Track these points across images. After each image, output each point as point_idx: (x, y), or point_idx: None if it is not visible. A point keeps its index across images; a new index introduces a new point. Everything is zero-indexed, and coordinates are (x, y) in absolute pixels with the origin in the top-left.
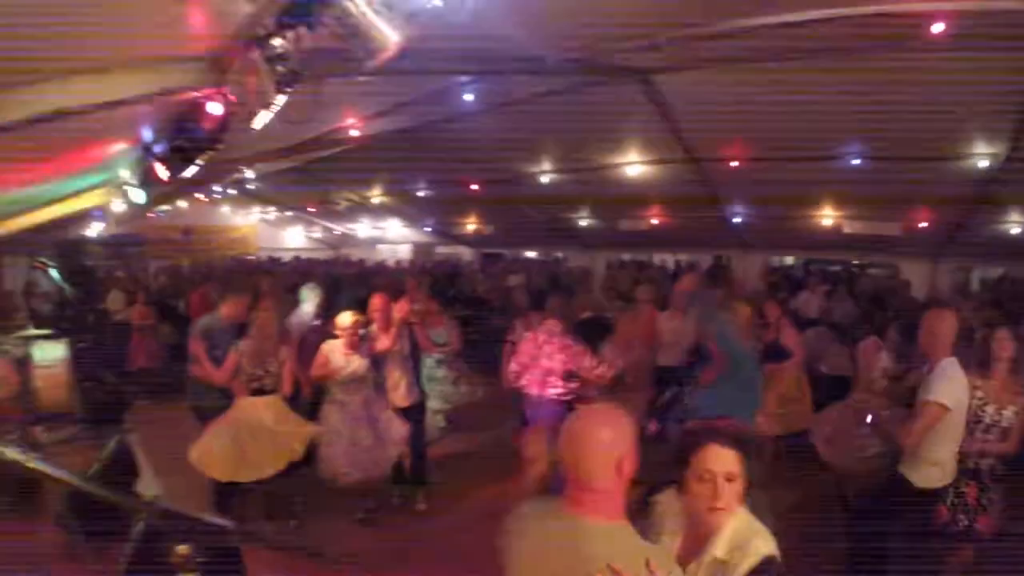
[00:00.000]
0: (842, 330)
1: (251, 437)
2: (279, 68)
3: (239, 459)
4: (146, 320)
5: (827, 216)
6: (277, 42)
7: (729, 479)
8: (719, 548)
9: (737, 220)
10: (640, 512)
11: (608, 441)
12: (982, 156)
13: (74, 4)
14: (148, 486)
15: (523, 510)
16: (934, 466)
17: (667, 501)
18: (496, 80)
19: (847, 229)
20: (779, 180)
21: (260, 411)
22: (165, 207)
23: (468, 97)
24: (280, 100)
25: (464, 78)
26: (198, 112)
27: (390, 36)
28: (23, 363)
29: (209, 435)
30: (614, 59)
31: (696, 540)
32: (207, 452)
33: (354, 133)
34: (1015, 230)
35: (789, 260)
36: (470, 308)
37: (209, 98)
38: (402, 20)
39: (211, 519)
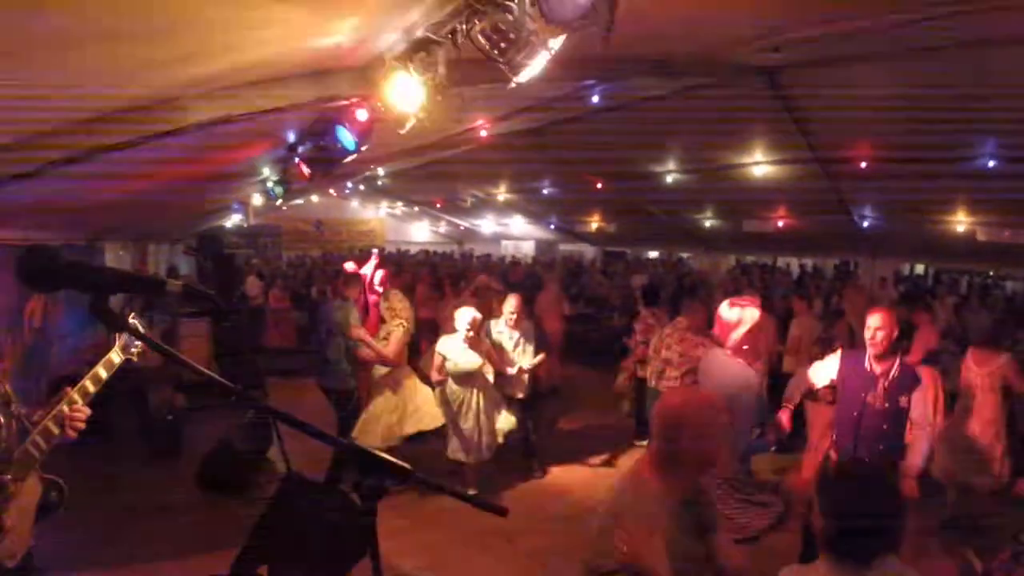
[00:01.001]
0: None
1: (410, 396)
2: (426, 78)
3: (399, 418)
4: (281, 304)
5: (959, 222)
6: (424, 55)
7: None
8: None
9: (865, 224)
10: None
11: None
12: None
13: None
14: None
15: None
16: None
17: None
18: (620, 84)
19: (981, 236)
20: (910, 182)
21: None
22: (298, 201)
23: (594, 99)
24: (425, 108)
25: (590, 81)
26: (347, 117)
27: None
28: (169, 336)
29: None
30: (738, 57)
31: None
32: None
33: (483, 134)
34: None
35: (919, 268)
36: (592, 307)
37: (358, 105)
38: (554, 28)
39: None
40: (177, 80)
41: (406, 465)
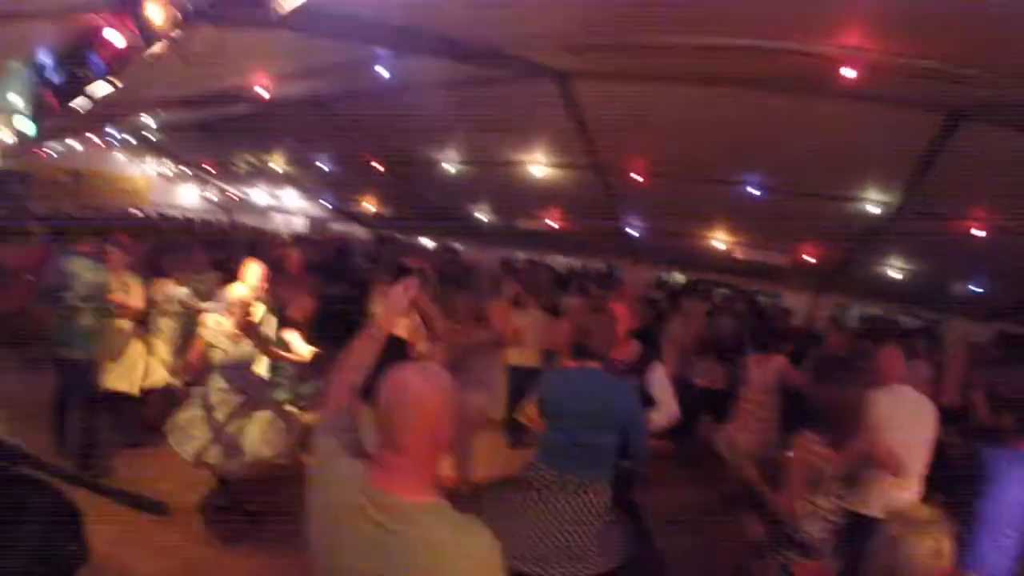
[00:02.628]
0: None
1: None
2: (184, 4)
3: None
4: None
5: (720, 239)
6: None
7: None
8: None
9: (632, 232)
10: None
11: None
12: (874, 202)
13: None
14: None
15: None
16: None
17: None
18: (412, 59)
19: (738, 255)
20: (678, 198)
21: None
22: (57, 146)
23: (383, 72)
24: (180, 36)
25: (380, 51)
26: (97, 39)
27: None
28: None
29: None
30: (534, 56)
31: None
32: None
33: (262, 93)
34: (895, 275)
35: (679, 277)
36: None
37: (110, 25)
38: None
39: None
40: None
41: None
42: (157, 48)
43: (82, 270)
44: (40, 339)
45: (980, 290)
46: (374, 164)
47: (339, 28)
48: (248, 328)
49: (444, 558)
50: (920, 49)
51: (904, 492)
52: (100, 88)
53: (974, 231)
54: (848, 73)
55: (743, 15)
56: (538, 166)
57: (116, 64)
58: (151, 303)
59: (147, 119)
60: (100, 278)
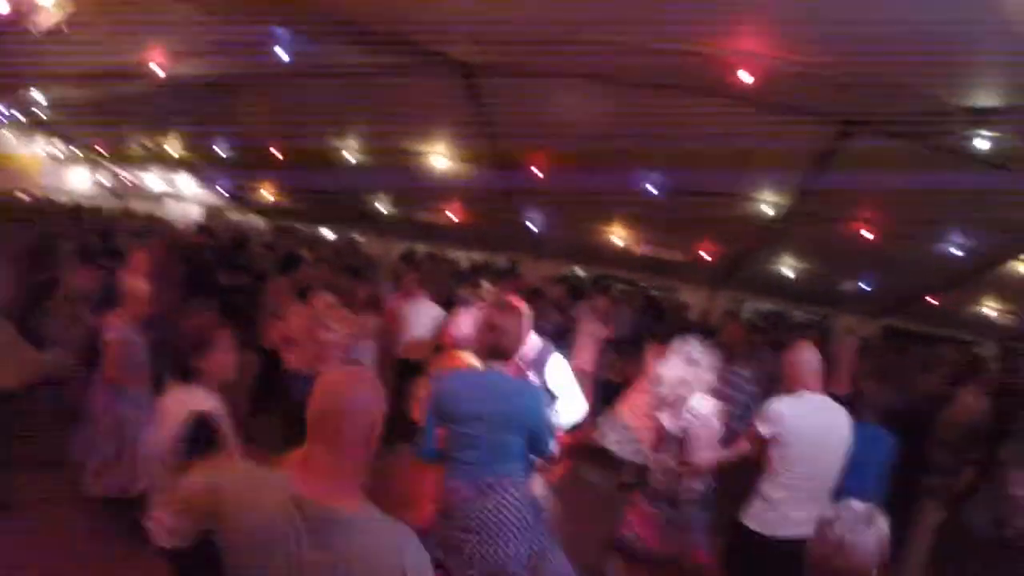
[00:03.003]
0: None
1: None
2: None
3: None
4: None
5: (620, 236)
6: None
7: None
8: None
9: (534, 227)
10: None
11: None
12: (769, 203)
13: None
14: None
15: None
16: None
17: None
18: (318, 45)
19: (637, 251)
20: (579, 195)
21: None
22: None
23: (283, 55)
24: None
25: (282, 32)
26: None
27: None
28: None
29: None
30: (440, 48)
31: None
32: None
33: (158, 71)
34: (788, 272)
35: (581, 273)
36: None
37: None
38: None
39: None
40: None
41: None
42: (45, 18)
43: None
44: None
45: (868, 288)
46: (273, 151)
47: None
48: None
49: (383, 568)
50: (815, 59)
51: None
52: None
53: (863, 232)
54: (745, 77)
55: (646, 18)
56: (441, 158)
57: None
58: None
59: (37, 95)
60: None
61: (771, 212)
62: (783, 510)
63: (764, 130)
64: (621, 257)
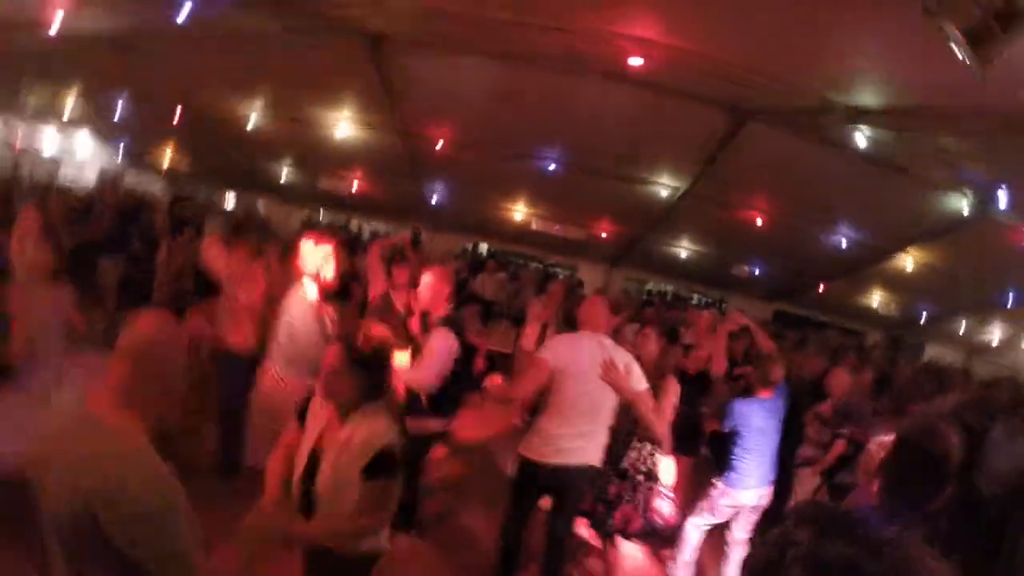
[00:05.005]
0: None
1: None
2: None
3: None
4: None
5: (519, 211)
6: None
7: None
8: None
9: (435, 200)
10: None
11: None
12: (664, 186)
13: None
14: None
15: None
16: None
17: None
18: (221, 6)
19: (535, 227)
20: (481, 170)
21: None
22: None
23: (182, 15)
24: None
25: None
26: None
27: None
28: None
29: None
30: (346, 14)
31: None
32: None
33: (52, 25)
34: (683, 254)
35: (483, 247)
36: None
37: None
38: None
39: None
40: None
41: None
42: None
43: None
44: None
45: (759, 273)
46: (172, 114)
47: None
48: None
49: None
50: (708, 49)
51: None
52: None
53: (756, 220)
54: (635, 60)
55: None
56: (344, 126)
57: None
58: None
59: None
60: None
61: (667, 194)
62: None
63: (661, 114)
64: (521, 233)
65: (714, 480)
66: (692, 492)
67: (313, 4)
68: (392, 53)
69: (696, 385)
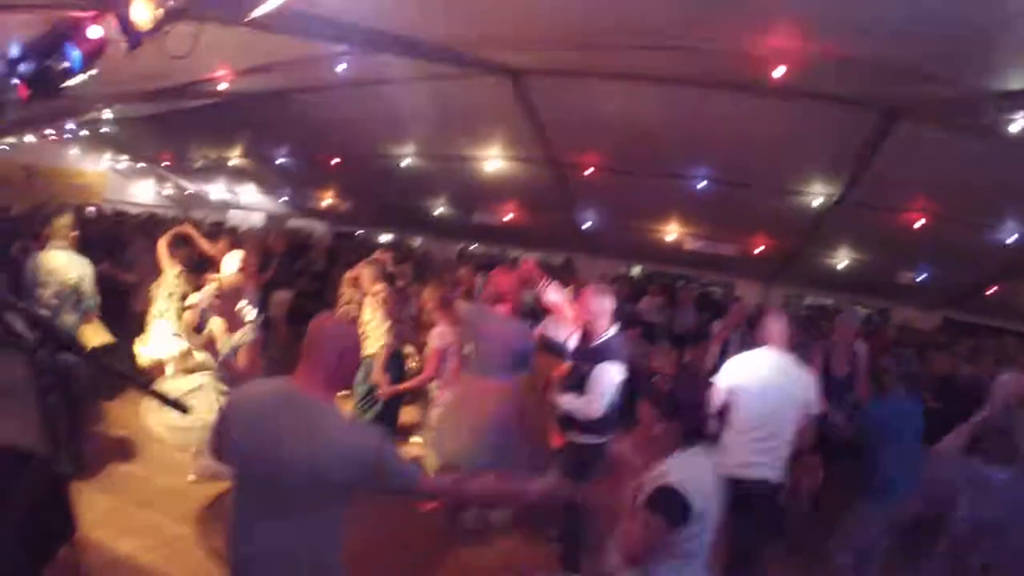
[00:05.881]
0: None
1: None
2: (167, 2)
3: None
4: None
5: (671, 232)
6: None
7: None
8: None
9: (586, 226)
10: None
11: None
12: (817, 195)
13: None
14: None
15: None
16: None
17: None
18: (370, 57)
19: (689, 246)
20: (631, 192)
21: None
22: (9, 140)
23: (340, 68)
24: (163, 33)
25: (339, 48)
26: (77, 33)
27: None
28: None
29: None
30: (487, 54)
31: None
32: None
33: (222, 87)
34: (841, 265)
35: (636, 270)
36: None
37: (91, 20)
38: None
39: None
40: None
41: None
42: (139, 44)
43: (56, 263)
44: None
45: (923, 278)
46: (332, 160)
47: (300, 25)
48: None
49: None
50: (851, 50)
51: None
52: (75, 80)
53: (915, 221)
54: (780, 71)
55: (683, 17)
56: (493, 161)
57: (93, 57)
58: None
59: (103, 112)
60: (80, 270)
61: (821, 203)
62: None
63: (808, 121)
64: (675, 253)
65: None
66: None
67: (455, 48)
68: (534, 86)
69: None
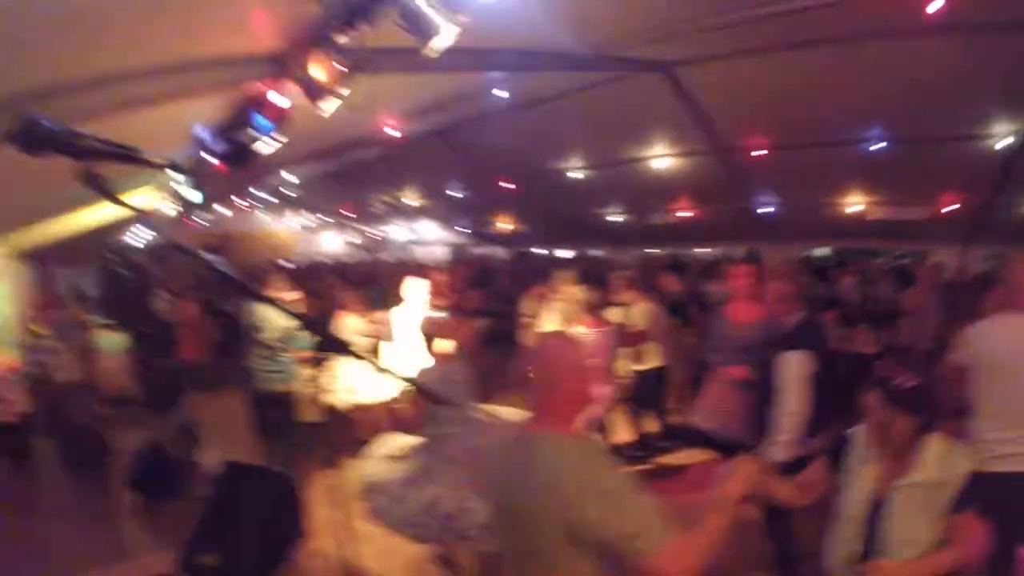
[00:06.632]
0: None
1: None
2: (345, 61)
3: None
4: (193, 315)
5: (852, 203)
6: (342, 38)
7: None
8: (927, 469)
9: (764, 211)
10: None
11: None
12: (1003, 135)
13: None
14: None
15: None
16: None
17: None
18: (524, 77)
19: (872, 215)
20: (802, 168)
21: None
22: (207, 215)
23: (500, 94)
24: (345, 92)
25: (494, 75)
26: (261, 102)
27: (447, 27)
28: (87, 352)
29: None
30: (636, 52)
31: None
32: None
33: (394, 133)
34: None
35: (823, 250)
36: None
37: (273, 90)
38: (454, 13)
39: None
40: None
41: None
42: (326, 103)
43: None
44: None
45: None
46: (503, 184)
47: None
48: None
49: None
50: None
51: None
52: (266, 147)
53: None
54: (935, 5)
55: None
56: (661, 159)
57: (280, 122)
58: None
59: (284, 175)
60: (288, 321)
61: (1005, 144)
62: None
63: (975, 56)
64: (860, 226)
65: None
66: None
67: (604, 53)
68: (688, 76)
69: None
